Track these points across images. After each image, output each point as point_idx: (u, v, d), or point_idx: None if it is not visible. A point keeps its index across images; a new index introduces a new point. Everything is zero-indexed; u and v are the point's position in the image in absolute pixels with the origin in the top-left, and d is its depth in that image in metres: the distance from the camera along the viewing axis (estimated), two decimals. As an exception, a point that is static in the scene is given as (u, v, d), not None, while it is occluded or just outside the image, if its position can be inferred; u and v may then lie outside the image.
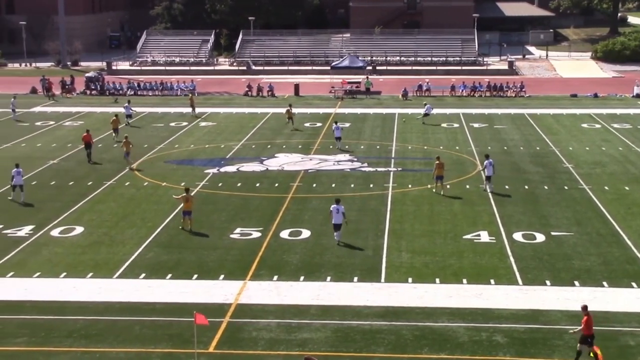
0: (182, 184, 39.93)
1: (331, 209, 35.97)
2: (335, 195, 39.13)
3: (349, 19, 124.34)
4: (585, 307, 24.60)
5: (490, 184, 44.25)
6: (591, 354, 24.10)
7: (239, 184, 45.68)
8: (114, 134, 59.03)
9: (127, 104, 67.34)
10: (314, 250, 34.61)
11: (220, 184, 45.74)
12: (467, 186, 44.81)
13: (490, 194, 43.25)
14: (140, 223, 38.53)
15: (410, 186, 45.09)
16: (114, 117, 60.52)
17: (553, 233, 36.81)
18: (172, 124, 65.42)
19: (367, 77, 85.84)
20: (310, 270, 32.33)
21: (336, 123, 58.28)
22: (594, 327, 24.40)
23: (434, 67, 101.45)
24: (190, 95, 75.33)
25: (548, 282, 31.04)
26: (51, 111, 72.25)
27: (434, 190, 43.90)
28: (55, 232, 37.31)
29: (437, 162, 44.00)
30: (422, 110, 66.65)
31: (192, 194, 40.42)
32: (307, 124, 64.83)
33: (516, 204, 41.65)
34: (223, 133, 61.58)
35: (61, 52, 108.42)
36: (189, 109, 70.21)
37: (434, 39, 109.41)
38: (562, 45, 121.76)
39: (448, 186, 44.12)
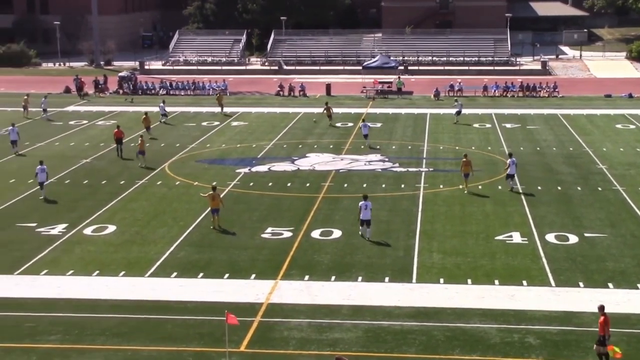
0: (214, 183, 40.04)
1: (360, 204, 36.12)
2: (366, 195, 38.99)
3: (381, 18, 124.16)
4: (602, 307, 24.42)
5: (513, 182, 44.14)
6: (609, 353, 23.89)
7: (270, 184, 45.74)
8: (147, 132, 59.60)
9: (161, 104, 67.86)
10: (345, 250, 34.57)
11: (251, 184, 45.83)
12: (499, 187, 44.56)
13: (522, 195, 42.99)
14: (172, 222, 38.69)
15: (441, 186, 44.92)
16: (144, 116, 61.11)
17: (586, 234, 36.50)
18: (204, 124, 65.65)
19: (399, 77, 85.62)
20: (342, 270, 32.29)
21: (364, 121, 58.62)
22: (610, 329, 24.17)
23: (466, 67, 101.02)
24: (218, 94, 75.69)
25: (581, 284, 30.78)
26: (84, 110, 72.77)
27: (465, 191, 43.73)
28: (88, 231, 37.56)
29: (464, 159, 44.09)
30: (453, 111, 66.35)
31: (220, 193, 40.49)
32: (338, 124, 64.77)
33: (549, 204, 41.35)
34: (254, 133, 61.70)
35: (94, 51, 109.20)
36: (217, 108, 70.47)
37: (466, 39, 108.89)
38: (596, 45, 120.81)
39: (465, 189, 44.01)
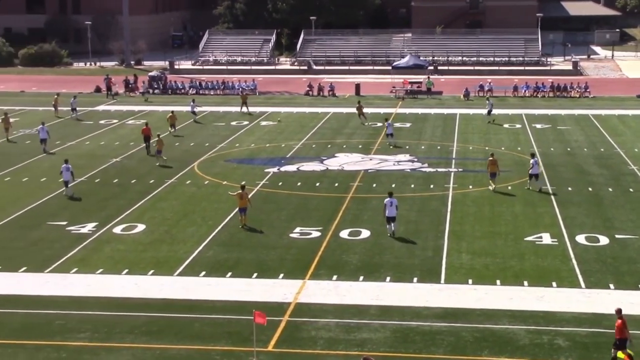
0: (242, 182, 40.12)
1: (385, 202, 36.25)
2: (395, 196, 38.91)
3: (411, 18, 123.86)
4: (619, 311, 24.19)
5: (537, 182, 43.99)
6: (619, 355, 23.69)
7: (299, 184, 45.75)
8: (171, 129, 60.33)
9: (192, 102, 68.24)
10: (373, 251, 34.50)
11: (280, 183, 45.88)
12: (529, 187, 44.27)
13: (552, 196, 42.71)
14: (201, 221, 38.81)
15: (471, 187, 44.72)
16: (170, 114, 61.75)
17: (617, 236, 36.17)
18: (233, 123, 65.81)
19: (429, 77, 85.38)
20: (370, 270, 32.23)
21: (387, 120, 58.79)
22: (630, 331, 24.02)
23: (496, 67, 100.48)
24: (242, 93, 76.00)
25: (612, 286, 30.51)
26: (114, 110, 73.21)
27: (492, 188, 43.58)
28: (117, 230, 37.76)
29: (491, 158, 44.09)
30: (484, 111, 66.09)
31: (249, 193, 40.55)
32: (367, 124, 64.69)
33: (579, 205, 41.05)
34: (283, 132, 61.77)
35: (125, 51, 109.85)
36: (245, 108, 70.67)
37: (496, 39, 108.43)
38: (628, 45, 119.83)
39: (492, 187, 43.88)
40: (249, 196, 38.76)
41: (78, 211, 40.73)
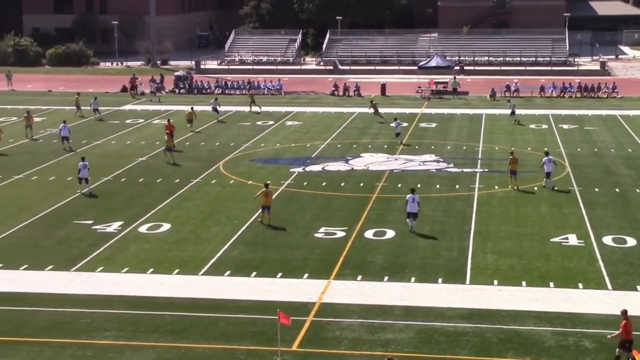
0: (268, 182, 40.15)
1: (407, 197, 36.57)
2: (421, 196, 38.78)
3: (437, 18, 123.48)
4: (624, 312, 24.02)
5: (549, 180, 43.92)
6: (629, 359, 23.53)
7: (324, 183, 45.74)
8: (189, 125, 61.45)
9: (214, 100, 68.49)
10: (398, 251, 34.42)
11: (305, 183, 45.89)
12: (555, 188, 44.02)
13: (579, 196, 42.43)
14: (226, 221, 38.88)
15: (496, 187, 44.52)
16: (190, 110, 63.03)
17: (644, 237, 35.90)
18: (259, 123, 65.89)
19: (455, 77, 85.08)
20: (395, 270, 32.15)
21: (396, 119, 58.82)
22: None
23: (523, 68, 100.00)
24: (249, 92, 76.49)
25: (639, 287, 30.25)
26: (141, 109, 73.54)
27: (513, 188, 43.63)
28: (143, 229, 37.90)
29: (511, 156, 44.18)
30: (508, 111, 65.80)
31: (274, 192, 40.56)
32: (392, 124, 64.49)
33: (606, 207, 40.75)
34: (309, 132, 61.78)
35: (151, 51, 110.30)
36: (272, 108, 70.72)
37: (523, 39, 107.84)
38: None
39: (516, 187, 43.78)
40: (273, 196, 38.84)
41: (104, 210, 40.93)
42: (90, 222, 38.84)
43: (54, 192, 44.21)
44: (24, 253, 34.63)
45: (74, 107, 69.56)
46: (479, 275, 31.59)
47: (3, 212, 40.52)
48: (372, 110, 67.08)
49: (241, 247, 35.10)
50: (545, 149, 47.31)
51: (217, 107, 67.28)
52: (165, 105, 75.27)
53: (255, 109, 71.03)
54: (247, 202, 41.64)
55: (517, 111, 65.96)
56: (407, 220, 37.07)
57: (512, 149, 49.71)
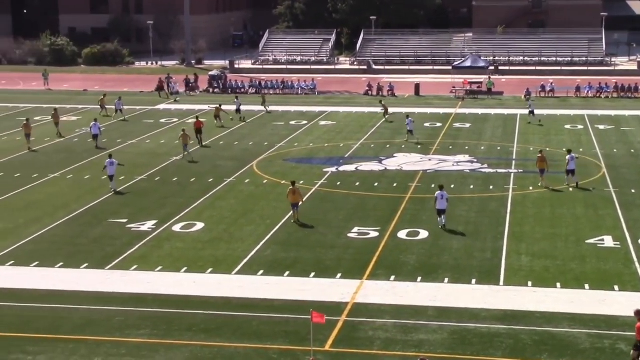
0: (301, 182, 40.17)
1: (436, 194, 36.78)
2: (455, 197, 38.64)
3: (472, 18, 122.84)
4: (638, 312, 23.69)
5: (573, 177, 43.96)
6: None
7: (357, 183, 45.68)
8: (216, 121, 63.09)
9: (236, 99, 68.99)
10: (431, 251, 34.30)
11: (338, 183, 45.86)
12: (592, 188, 43.67)
13: (615, 198, 42.03)
14: (259, 220, 38.96)
15: (531, 188, 44.21)
16: (217, 106, 64.22)
17: (682, 239, 35.48)
18: (292, 123, 65.96)
19: (489, 77, 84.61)
20: (428, 271, 32.03)
21: (408, 117, 58.77)
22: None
23: (559, 68, 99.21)
24: (262, 92, 77.22)
25: (676, 290, 29.93)
26: (175, 109, 73.87)
27: (543, 186, 43.59)
28: (177, 228, 38.07)
29: (540, 155, 44.48)
30: (545, 111, 65.31)
31: (306, 192, 40.52)
32: (426, 124, 64.35)
33: (643, 208, 40.34)
34: (342, 132, 61.73)
35: (186, 51, 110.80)
36: (305, 108, 70.70)
37: (559, 39, 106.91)
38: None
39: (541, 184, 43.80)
40: (302, 194, 38.96)
41: (138, 209, 41.17)
42: (125, 220, 39.08)
43: (90, 191, 44.56)
44: (60, 251, 34.92)
45: (111, 106, 69.86)
46: (513, 277, 31.38)
47: (39, 210, 40.92)
48: (382, 109, 67.00)
49: (274, 247, 35.15)
50: (569, 149, 46.89)
51: (240, 107, 67.35)
52: (199, 105, 75.43)
53: (266, 108, 71.06)
54: (280, 201, 41.67)
55: (553, 112, 65.54)
56: (438, 219, 37.25)
57: (542, 149, 49.22)
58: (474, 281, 30.98)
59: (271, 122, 66.48)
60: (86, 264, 33.22)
